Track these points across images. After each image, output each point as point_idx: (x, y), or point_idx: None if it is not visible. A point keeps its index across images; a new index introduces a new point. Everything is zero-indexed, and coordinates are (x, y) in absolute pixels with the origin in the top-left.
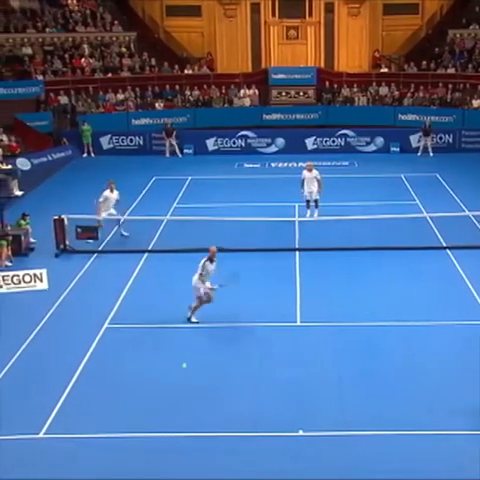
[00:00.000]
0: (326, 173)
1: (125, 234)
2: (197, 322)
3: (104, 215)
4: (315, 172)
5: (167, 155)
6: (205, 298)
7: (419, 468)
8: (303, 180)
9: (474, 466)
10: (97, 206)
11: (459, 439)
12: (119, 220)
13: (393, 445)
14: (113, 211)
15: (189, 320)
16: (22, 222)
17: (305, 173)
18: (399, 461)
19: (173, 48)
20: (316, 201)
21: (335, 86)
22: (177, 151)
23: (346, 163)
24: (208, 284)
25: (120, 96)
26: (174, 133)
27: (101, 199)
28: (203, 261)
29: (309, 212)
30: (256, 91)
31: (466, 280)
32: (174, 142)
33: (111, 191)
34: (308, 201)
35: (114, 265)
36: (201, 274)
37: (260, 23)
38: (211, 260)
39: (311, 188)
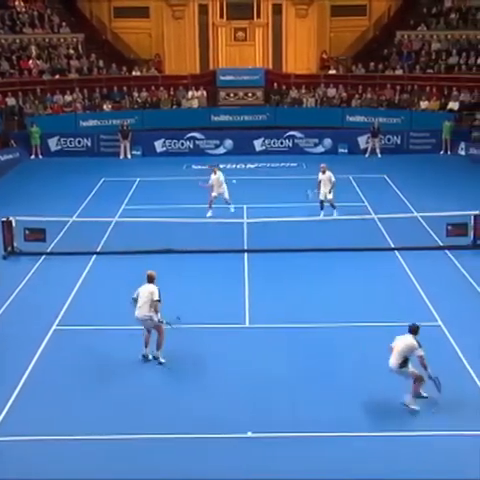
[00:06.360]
0: (274, 174)
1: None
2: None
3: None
4: (329, 173)
5: (121, 157)
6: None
7: (364, 469)
8: (319, 182)
9: (416, 467)
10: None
11: (402, 440)
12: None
13: (342, 446)
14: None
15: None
16: None
17: (320, 175)
18: (345, 462)
19: (121, 49)
20: (330, 201)
21: (283, 87)
22: (128, 152)
23: (294, 164)
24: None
25: (68, 98)
26: (130, 135)
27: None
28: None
29: (322, 213)
30: (204, 92)
31: (414, 281)
32: (128, 144)
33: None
34: (322, 202)
35: (62, 267)
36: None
37: (208, 24)
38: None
39: (325, 189)
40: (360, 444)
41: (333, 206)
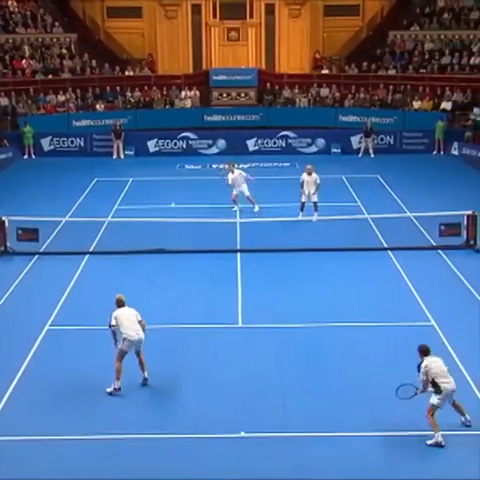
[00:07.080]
0: (267, 174)
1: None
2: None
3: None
4: (315, 175)
5: (114, 157)
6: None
7: (359, 469)
8: (302, 182)
9: (413, 467)
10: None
11: (394, 441)
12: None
13: (335, 446)
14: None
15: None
16: None
17: (304, 176)
18: (338, 462)
19: (114, 49)
20: (315, 203)
21: (276, 87)
22: (121, 152)
23: (287, 164)
24: None
25: (61, 97)
26: (123, 135)
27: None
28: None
29: (301, 214)
30: (197, 92)
31: (407, 281)
32: (121, 144)
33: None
34: (304, 203)
35: (55, 267)
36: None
37: (201, 24)
38: None
39: (309, 191)
40: (353, 444)
41: (316, 208)
